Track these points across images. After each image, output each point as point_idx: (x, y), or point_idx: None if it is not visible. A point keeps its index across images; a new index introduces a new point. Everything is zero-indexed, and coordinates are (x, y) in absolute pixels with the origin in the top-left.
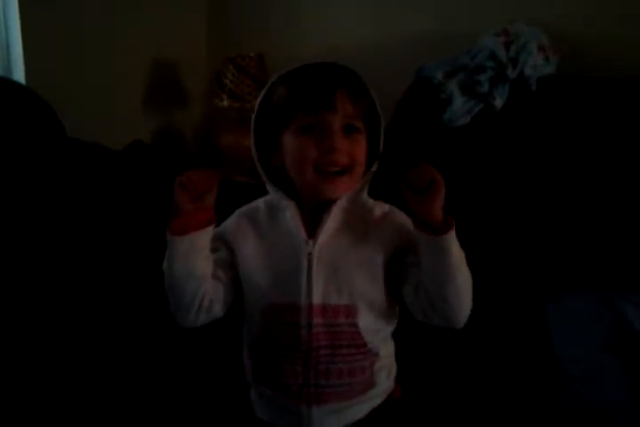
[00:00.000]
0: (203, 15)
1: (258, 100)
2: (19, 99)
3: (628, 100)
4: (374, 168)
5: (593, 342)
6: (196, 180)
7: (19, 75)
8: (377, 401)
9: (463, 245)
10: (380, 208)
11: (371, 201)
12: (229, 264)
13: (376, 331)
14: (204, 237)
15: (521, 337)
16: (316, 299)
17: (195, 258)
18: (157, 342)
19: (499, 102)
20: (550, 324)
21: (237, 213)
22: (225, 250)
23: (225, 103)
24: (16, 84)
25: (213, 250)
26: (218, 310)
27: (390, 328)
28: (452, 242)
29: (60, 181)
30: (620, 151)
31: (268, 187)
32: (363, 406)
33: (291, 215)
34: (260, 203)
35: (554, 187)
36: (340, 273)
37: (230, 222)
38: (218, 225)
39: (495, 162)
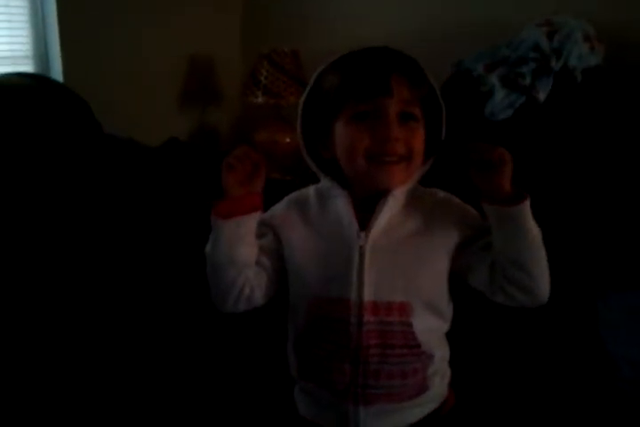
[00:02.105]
0: (237, 12)
1: (306, 91)
2: (56, 96)
3: None
4: (432, 159)
5: None
6: (244, 157)
7: (56, 73)
8: (429, 407)
9: None
10: (435, 195)
11: (424, 189)
12: (275, 252)
13: (430, 331)
14: (250, 222)
15: (573, 338)
16: (368, 295)
17: (238, 243)
18: (200, 334)
19: (542, 95)
20: (602, 324)
21: (286, 199)
22: (272, 237)
23: (260, 100)
24: (53, 82)
25: (259, 236)
26: (259, 298)
27: (445, 328)
28: (528, 213)
29: (97, 178)
30: None
31: (319, 174)
32: (414, 411)
33: (342, 205)
34: (310, 190)
35: (602, 181)
36: (394, 267)
37: (279, 209)
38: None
39: (539, 157)
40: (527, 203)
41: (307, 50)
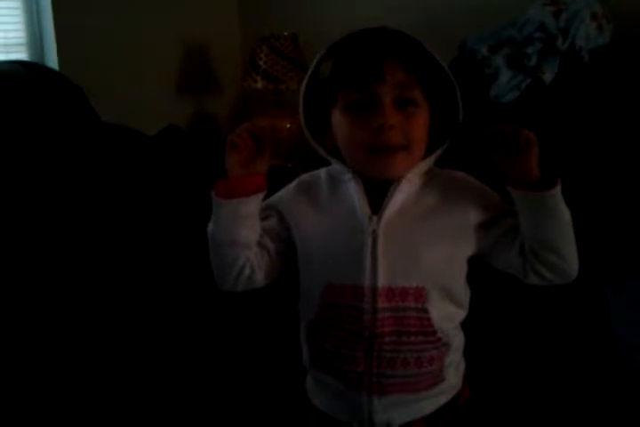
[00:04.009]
0: None
1: (306, 78)
2: (52, 85)
3: None
4: (447, 142)
5: None
6: (248, 136)
7: (52, 61)
8: (444, 398)
9: None
10: (450, 175)
11: (440, 170)
12: (279, 236)
13: (447, 318)
14: (251, 204)
15: (582, 325)
16: (382, 281)
17: (238, 225)
18: (211, 323)
19: (548, 76)
20: (612, 310)
21: (296, 183)
22: (276, 221)
23: (259, 85)
24: (49, 71)
25: (264, 218)
26: (260, 279)
27: (461, 316)
28: (560, 197)
29: (95, 166)
30: None
31: (329, 158)
32: (429, 403)
33: (354, 189)
34: (321, 173)
35: (611, 164)
36: (408, 252)
37: (287, 193)
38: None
39: (545, 140)
40: (559, 187)
41: (306, 33)
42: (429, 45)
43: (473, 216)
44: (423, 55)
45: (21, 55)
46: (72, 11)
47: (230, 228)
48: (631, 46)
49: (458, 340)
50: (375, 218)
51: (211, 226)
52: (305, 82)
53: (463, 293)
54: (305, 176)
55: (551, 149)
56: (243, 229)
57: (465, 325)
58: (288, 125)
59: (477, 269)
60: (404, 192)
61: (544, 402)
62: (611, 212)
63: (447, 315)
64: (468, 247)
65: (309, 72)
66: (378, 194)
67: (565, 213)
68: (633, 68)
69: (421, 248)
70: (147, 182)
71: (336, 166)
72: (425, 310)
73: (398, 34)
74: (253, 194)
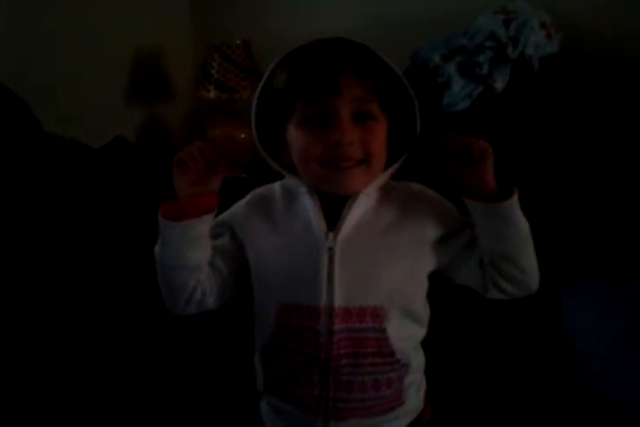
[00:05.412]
0: (186, 2)
1: (258, 90)
2: None
3: (634, 79)
4: (405, 155)
5: (616, 338)
6: (198, 155)
7: None
8: (404, 422)
9: None
10: (408, 188)
11: (396, 183)
12: (231, 254)
13: (406, 337)
14: (201, 226)
15: (537, 332)
16: (339, 301)
17: (189, 247)
18: (161, 346)
19: (499, 84)
20: (567, 317)
21: (249, 197)
22: (229, 239)
23: (212, 94)
24: None
25: (215, 236)
26: (212, 301)
27: (421, 335)
28: (517, 208)
29: (36, 181)
30: (628, 133)
31: (283, 173)
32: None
33: (309, 204)
34: (276, 186)
35: (561, 171)
36: (366, 269)
37: (240, 209)
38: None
39: (498, 147)
40: (516, 197)
41: (259, 41)
42: (385, 53)
43: (431, 232)
44: (380, 67)
45: None
46: (13, 16)
47: (179, 250)
48: (578, 54)
49: (418, 360)
50: (331, 234)
51: (158, 248)
52: (257, 93)
53: (423, 310)
54: (259, 190)
55: (503, 157)
56: (193, 252)
57: (425, 343)
58: (243, 136)
59: (436, 285)
60: (362, 207)
61: (507, 418)
62: (566, 218)
63: (406, 334)
64: (427, 263)
65: (262, 83)
66: (334, 209)
67: (523, 224)
68: (581, 76)
69: (380, 266)
70: (92, 198)
71: (290, 180)
72: (383, 331)
73: (354, 45)
74: (204, 215)
